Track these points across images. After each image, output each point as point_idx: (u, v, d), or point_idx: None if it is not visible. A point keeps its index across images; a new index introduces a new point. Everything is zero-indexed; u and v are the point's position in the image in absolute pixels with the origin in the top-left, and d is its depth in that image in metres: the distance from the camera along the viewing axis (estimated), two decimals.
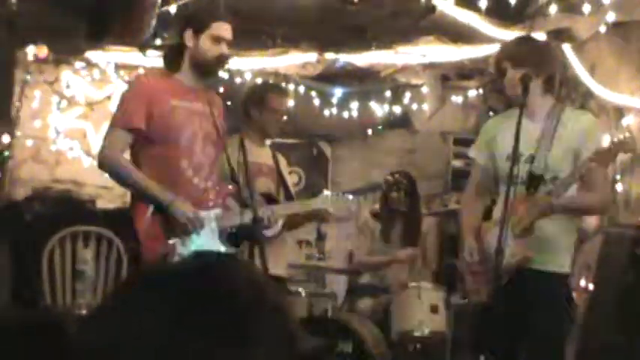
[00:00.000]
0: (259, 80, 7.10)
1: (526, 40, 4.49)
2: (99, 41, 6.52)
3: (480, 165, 4.43)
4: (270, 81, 7.11)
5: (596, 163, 3.88)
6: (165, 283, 1.12)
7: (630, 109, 5.87)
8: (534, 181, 4.06)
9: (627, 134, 3.90)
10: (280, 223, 4.98)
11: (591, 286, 5.75)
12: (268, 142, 5.59)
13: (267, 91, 5.46)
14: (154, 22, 5.77)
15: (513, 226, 4.00)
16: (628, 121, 5.85)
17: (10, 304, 6.06)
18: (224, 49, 4.22)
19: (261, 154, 5.30)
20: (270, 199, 5.01)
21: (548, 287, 4.09)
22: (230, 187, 4.45)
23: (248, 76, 7.23)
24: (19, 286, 6.38)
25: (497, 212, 4.24)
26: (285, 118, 5.45)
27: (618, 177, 5.63)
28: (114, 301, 1.16)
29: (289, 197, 5.34)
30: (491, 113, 7.61)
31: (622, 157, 4.44)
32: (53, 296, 6.14)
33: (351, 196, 4.86)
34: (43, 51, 7.02)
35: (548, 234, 4.08)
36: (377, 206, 6.63)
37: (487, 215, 4.45)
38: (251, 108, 5.29)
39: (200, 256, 1.20)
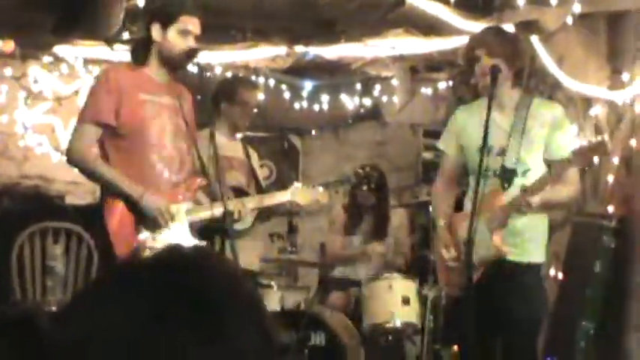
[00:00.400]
0: (229, 74, 7.07)
1: (500, 31, 4.50)
2: (66, 35, 6.46)
3: (449, 156, 4.44)
4: (240, 74, 7.09)
5: (574, 164, 3.93)
6: (138, 276, 1.11)
7: (598, 100, 5.91)
8: (508, 175, 4.09)
9: (601, 137, 3.92)
10: (251, 216, 4.97)
11: (560, 275, 5.80)
12: (239, 135, 5.58)
13: (237, 85, 5.45)
14: (122, 15, 5.73)
15: (488, 220, 4.02)
16: (596, 111, 5.89)
17: None
18: (191, 42, 4.21)
19: (231, 148, 5.29)
20: (240, 193, 5.00)
21: (524, 278, 4.13)
22: (200, 180, 4.44)
23: (218, 70, 7.20)
24: None
25: (467, 203, 4.26)
26: (255, 111, 5.44)
27: (586, 167, 5.67)
28: (86, 296, 1.15)
29: (260, 191, 5.34)
30: (460, 106, 7.64)
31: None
32: (23, 292, 6.10)
33: (321, 189, 4.87)
34: (10, 45, 6.94)
35: (522, 226, 4.12)
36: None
37: (458, 206, 4.47)
38: (221, 102, 5.28)
39: (173, 249, 1.19)
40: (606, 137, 3.94)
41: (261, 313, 1.14)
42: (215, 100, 5.30)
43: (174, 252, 1.18)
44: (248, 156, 5.46)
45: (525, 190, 3.99)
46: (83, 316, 1.09)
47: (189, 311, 1.07)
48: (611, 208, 5.62)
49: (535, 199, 3.97)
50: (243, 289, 1.14)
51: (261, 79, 7.77)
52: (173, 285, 1.09)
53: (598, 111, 5.89)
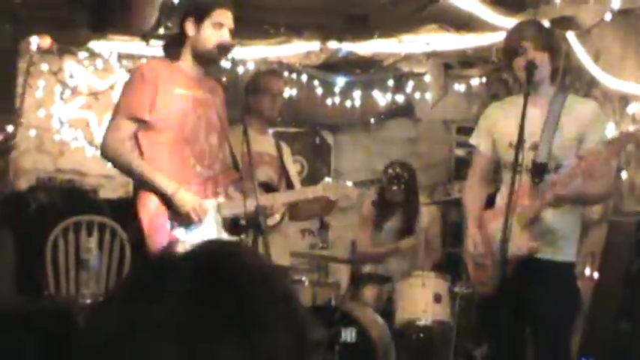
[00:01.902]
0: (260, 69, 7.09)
1: (542, 25, 4.43)
2: (103, 31, 6.51)
3: (481, 152, 4.40)
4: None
5: (606, 153, 3.86)
6: (174, 271, 1.11)
7: (635, 97, 5.84)
8: (539, 169, 4.04)
9: (636, 126, 3.88)
10: (281, 211, 4.98)
11: (596, 275, 5.74)
12: (271, 130, 5.58)
13: (260, 75, 5.50)
14: (157, 11, 5.75)
15: (519, 217, 3.98)
16: (633, 109, 5.82)
17: (14, 294, 6.07)
18: (226, 36, 4.21)
19: (262, 143, 5.29)
20: (270, 188, 5.00)
21: (555, 276, 4.08)
22: (232, 175, 4.45)
23: (251, 66, 7.21)
24: (23, 277, 6.38)
25: (500, 200, 4.23)
26: (280, 99, 5.42)
27: (623, 165, 5.61)
28: (121, 291, 1.15)
29: (291, 186, 5.34)
30: (493, 102, 7.59)
31: (629, 146, 4.42)
32: (57, 286, 6.16)
33: (350, 184, 4.85)
34: (47, 41, 7.01)
35: (554, 223, 4.07)
36: None
37: (491, 202, 4.43)
38: (248, 95, 5.29)
39: (208, 244, 1.19)
40: (636, 127, 3.89)
41: (296, 308, 1.14)
42: (244, 95, 5.31)
43: (209, 247, 1.18)
44: (280, 151, 5.45)
45: (554, 184, 3.94)
46: (119, 311, 1.09)
47: (224, 306, 1.07)
48: None
49: (565, 194, 3.92)
50: (278, 284, 1.14)
51: (294, 75, 7.78)
52: (208, 280, 1.09)
53: (635, 108, 5.82)
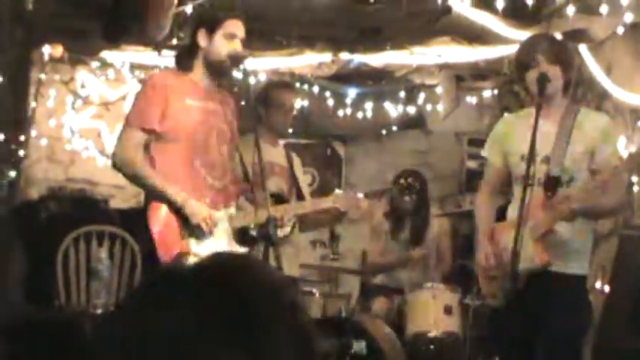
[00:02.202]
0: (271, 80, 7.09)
1: (555, 39, 4.43)
2: (116, 41, 6.53)
3: (493, 165, 4.40)
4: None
5: (622, 169, 3.86)
6: (183, 283, 1.12)
7: None
8: (552, 183, 4.03)
9: None
10: (292, 222, 4.97)
11: (607, 288, 5.71)
12: (282, 141, 5.59)
13: (272, 88, 5.47)
14: (170, 22, 5.77)
15: (532, 229, 3.97)
16: None
17: (24, 304, 6.08)
18: (238, 46, 4.23)
19: (273, 154, 5.29)
20: (281, 199, 5.00)
21: (568, 289, 4.06)
22: (243, 186, 4.46)
23: (262, 77, 7.22)
24: (34, 286, 6.40)
25: (511, 212, 4.22)
26: (294, 113, 5.43)
27: (635, 179, 5.59)
28: (132, 301, 1.16)
29: (301, 197, 5.34)
30: (505, 114, 7.59)
31: None
32: (68, 296, 6.16)
33: (361, 195, 4.85)
34: (59, 50, 7.03)
35: (566, 236, 4.06)
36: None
37: (502, 214, 4.42)
38: (259, 107, 5.29)
39: (216, 256, 1.20)
40: None
41: (302, 320, 1.14)
42: (254, 106, 5.31)
43: (218, 259, 1.19)
44: (290, 162, 5.45)
45: (569, 198, 3.94)
46: (129, 321, 1.10)
47: (232, 316, 1.08)
48: None
49: (580, 207, 3.91)
50: (285, 296, 1.14)
51: (306, 86, 7.78)
52: (217, 290, 1.10)
53: None
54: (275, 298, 1.13)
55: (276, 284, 1.16)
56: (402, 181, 5.94)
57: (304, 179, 5.61)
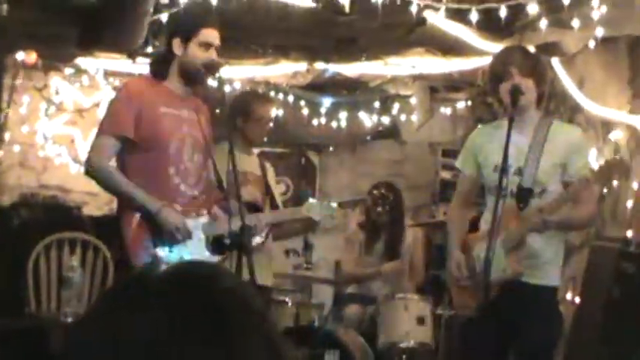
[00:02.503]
0: (247, 89, 7.09)
1: (528, 51, 4.47)
2: (91, 48, 6.51)
3: (466, 175, 4.43)
4: (260, 90, 7.11)
5: (593, 182, 3.91)
6: (151, 290, 1.12)
7: (618, 124, 5.89)
8: (524, 194, 4.06)
9: (619, 156, 3.91)
10: (265, 232, 4.98)
11: (577, 299, 5.76)
12: (256, 150, 5.59)
13: (251, 100, 5.47)
14: (145, 29, 5.76)
15: (504, 240, 4.00)
16: (615, 135, 5.87)
17: None
18: (213, 54, 4.23)
19: (247, 163, 5.30)
20: (255, 208, 5.01)
21: (539, 301, 4.10)
22: (217, 194, 4.45)
23: (238, 85, 7.22)
24: (4, 294, 6.33)
25: (484, 223, 4.24)
26: (270, 125, 5.45)
27: (605, 190, 5.64)
28: (103, 305, 1.16)
29: (275, 206, 5.34)
30: (479, 126, 7.64)
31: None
32: (38, 303, 6.10)
33: (335, 204, 4.86)
34: (32, 57, 6.99)
35: (538, 248, 4.09)
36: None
37: (474, 225, 4.45)
38: (236, 117, 5.29)
39: (185, 264, 1.21)
40: (619, 156, 3.92)
41: (271, 329, 1.15)
42: (230, 115, 5.31)
43: (186, 267, 1.20)
44: (264, 171, 5.47)
45: (541, 210, 3.97)
46: (101, 324, 1.10)
47: (199, 326, 1.08)
48: (630, 233, 5.58)
49: (552, 219, 3.95)
50: (254, 305, 1.15)
51: (281, 95, 7.79)
52: (188, 294, 1.11)
53: (618, 135, 5.86)
54: (246, 304, 1.14)
55: (246, 291, 1.17)
56: (376, 192, 5.95)
57: (278, 188, 5.62)
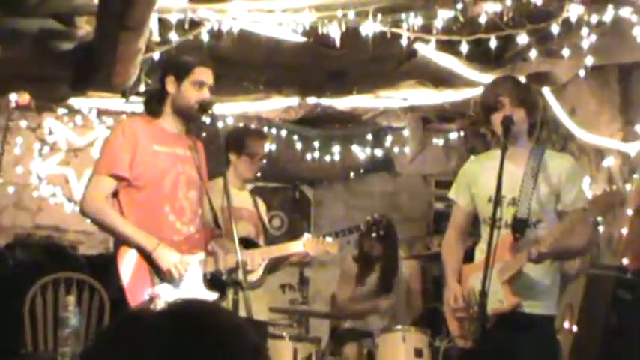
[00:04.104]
0: (240, 125, 7.12)
1: (519, 81, 4.49)
2: (83, 89, 6.53)
3: (460, 207, 4.43)
4: (251, 125, 7.14)
5: (590, 213, 3.91)
6: (151, 324, 1.13)
7: (610, 151, 5.92)
8: (520, 225, 4.07)
9: (616, 186, 3.91)
10: (262, 267, 4.98)
11: (575, 328, 5.75)
12: (249, 186, 5.60)
13: (245, 137, 5.48)
14: (138, 68, 5.79)
15: (500, 271, 3.99)
16: (608, 162, 5.90)
17: None
18: (206, 93, 4.24)
19: (240, 199, 5.31)
20: (250, 244, 5.01)
21: (536, 330, 4.09)
22: (213, 231, 4.45)
23: (230, 121, 7.25)
24: (1, 334, 6.31)
25: (479, 254, 4.24)
26: (263, 161, 5.47)
27: (600, 219, 5.65)
28: (99, 343, 1.16)
29: (269, 242, 5.35)
30: (472, 156, 7.67)
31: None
32: (35, 344, 6.07)
33: (330, 239, 4.86)
34: (25, 97, 7.01)
35: (534, 277, 4.09)
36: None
37: (469, 256, 4.44)
38: (230, 153, 5.31)
39: (180, 302, 1.22)
40: (620, 188, 3.93)
41: None
42: (223, 151, 5.33)
43: (184, 303, 1.21)
44: (256, 206, 5.47)
45: (538, 241, 3.97)
46: None
47: (197, 358, 1.08)
48: (625, 260, 5.58)
49: (549, 251, 3.95)
50: (248, 338, 1.16)
51: (273, 130, 7.82)
52: (183, 332, 1.12)
53: (610, 162, 5.89)
54: (238, 340, 1.15)
55: (239, 327, 1.18)
56: (370, 227, 5.95)
57: (272, 223, 5.63)
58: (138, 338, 1.11)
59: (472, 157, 4.67)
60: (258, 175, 5.63)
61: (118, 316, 1.23)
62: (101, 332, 1.20)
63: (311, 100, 7.15)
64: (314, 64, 6.65)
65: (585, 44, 5.31)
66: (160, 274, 4.11)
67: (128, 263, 4.08)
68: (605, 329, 5.46)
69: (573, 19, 5.16)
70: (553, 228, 4.01)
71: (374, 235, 6.21)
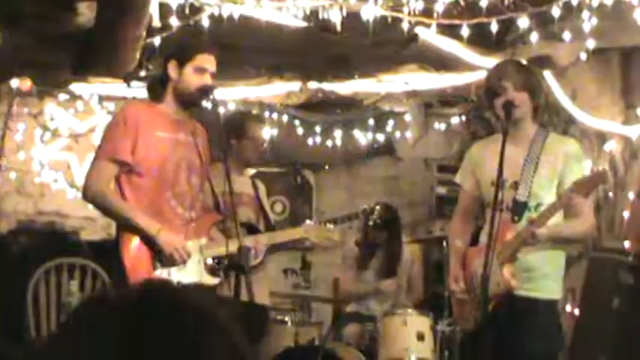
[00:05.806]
0: (240, 109, 7.11)
1: (522, 65, 4.49)
2: (85, 74, 6.53)
3: (466, 190, 4.44)
4: (254, 110, 7.13)
5: (576, 193, 3.90)
6: (115, 305, 1.13)
7: (612, 135, 5.92)
8: (519, 208, 4.07)
9: (602, 167, 3.90)
10: (263, 252, 4.99)
11: (577, 311, 5.76)
12: (252, 171, 5.60)
13: (244, 121, 5.47)
14: (139, 53, 5.79)
15: (498, 254, 4.00)
16: (610, 146, 5.89)
17: None
18: (207, 80, 4.24)
19: (241, 184, 5.31)
20: (250, 228, 5.02)
21: (535, 314, 4.09)
22: (214, 216, 4.46)
23: (232, 107, 7.24)
24: (4, 321, 6.32)
25: (483, 238, 4.25)
26: (265, 146, 5.47)
27: (601, 202, 5.66)
28: (63, 327, 1.17)
29: (269, 226, 5.35)
30: (478, 141, 7.67)
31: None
32: (38, 330, 6.09)
33: (332, 226, 4.87)
34: (27, 83, 7.00)
35: (535, 261, 4.09)
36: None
37: (475, 240, 4.45)
38: (230, 138, 5.31)
39: (144, 284, 1.21)
40: (621, 171, 3.93)
41: (236, 343, 1.16)
42: (224, 135, 5.32)
43: (147, 284, 1.20)
44: (256, 190, 5.47)
45: (531, 222, 3.97)
46: (61, 347, 1.11)
47: (162, 337, 1.09)
48: (627, 244, 5.58)
49: (542, 232, 3.94)
50: (217, 318, 1.16)
51: (275, 115, 7.81)
52: (148, 312, 1.12)
53: (612, 146, 5.89)
54: (206, 320, 1.14)
55: (207, 307, 1.17)
56: (373, 214, 5.95)
57: (272, 208, 5.63)
58: (102, 320, 1.11)
59: (477, 141, 4.66)
60: (262, 159, 5.63)
61: (83, 300, 1.23)
62: (63, 321, 1.20)
63: (312, 85, 7.14)
64: (315, 49, 6.64)
65: (586, 27, 5.29)
66: (161, 259, 4.12)
67: (130, 248, 4.09)
68: (608, 312, 5.48)
69: (574, 2, 5.14)
70: (545, 212, 4.00)
71: (374, 227, 6.22)
